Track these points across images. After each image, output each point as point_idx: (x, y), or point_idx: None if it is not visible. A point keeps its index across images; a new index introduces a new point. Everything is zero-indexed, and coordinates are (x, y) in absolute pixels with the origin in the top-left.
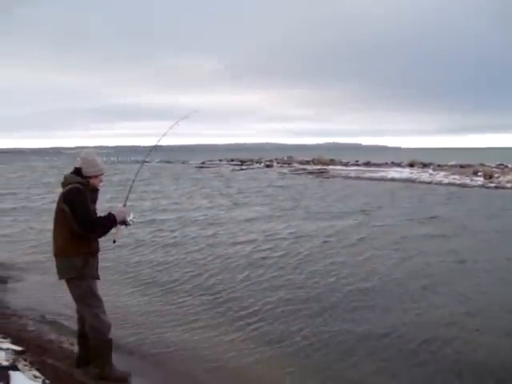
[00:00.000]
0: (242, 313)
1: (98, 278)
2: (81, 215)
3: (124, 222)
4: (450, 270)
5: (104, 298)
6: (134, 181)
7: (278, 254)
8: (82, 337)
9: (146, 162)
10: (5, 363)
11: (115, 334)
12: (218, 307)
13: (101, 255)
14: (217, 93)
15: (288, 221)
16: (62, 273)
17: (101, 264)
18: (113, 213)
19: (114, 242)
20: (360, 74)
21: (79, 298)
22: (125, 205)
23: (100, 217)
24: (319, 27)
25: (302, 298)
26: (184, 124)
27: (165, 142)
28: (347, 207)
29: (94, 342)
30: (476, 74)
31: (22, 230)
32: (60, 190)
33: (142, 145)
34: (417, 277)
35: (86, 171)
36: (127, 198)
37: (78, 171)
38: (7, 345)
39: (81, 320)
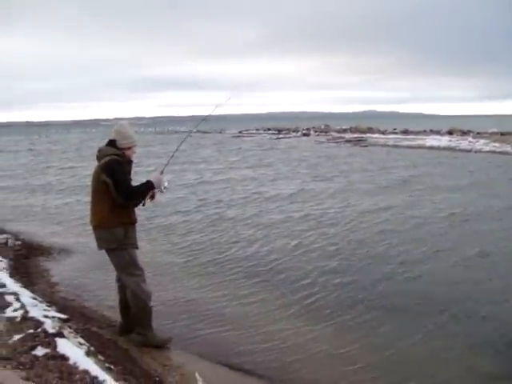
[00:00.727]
0: (296, 285)
1: (137, 248)
2: (123, 186)
3: (159, 188)
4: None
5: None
6: (175, 150)
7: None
8: (124, 305)
9: (190, 134)
10: (51, 330)
11: (167, 306)
12: (271, 280)
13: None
14: (255, 61)
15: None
16: (103, 243)
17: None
18: (150, 179)
19: (144, 204)
20: (398, 40)
21: (121, 267)
22: (162, 172)
23: (139, 185)
24: None
25: (354, 269)
26: (219, 94)
27: (201, 111)
28: (393, 178)
29: (135, 309)
30: None
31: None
32: (95, 163)
33: (179, 115)
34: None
35: (121, 143)
36: (166, 165)
37: (112, 143)
38: (53, 313)
39: (121, 288)
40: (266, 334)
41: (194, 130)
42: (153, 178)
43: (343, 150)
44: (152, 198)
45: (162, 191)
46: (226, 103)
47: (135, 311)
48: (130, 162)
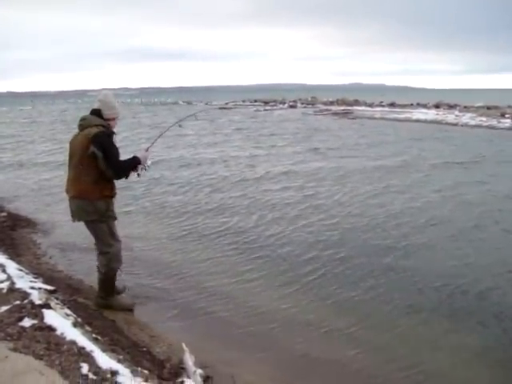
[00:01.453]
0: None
1: (116, 218)
2: (114, 161)
3: (144, 165)
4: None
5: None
6: (158, 136)
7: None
8: None
9: (169, 129)
10: (38, 302)
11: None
12: (272, 257)
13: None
14: (241, 32)
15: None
16: (83, 215)
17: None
18: (137, 156)
19: (138, 175)
20: (386, 13)
21: (99, 238)
22: (147, 150)
23: (127, 160)
24: None
25: (354, 244)
26: (205, 65)
27: (187, 83)
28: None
29: (104, 276)
30: (505, 11)
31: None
32: (76, 130)
33: (166, 86)
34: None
35: (106, 113)
36: (151, 145)
37: (96, 113)
38: (39, 284)
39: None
40: (259, 307)
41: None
42: (139, 154)
43: (333, 122)
44: (138, 174)
45: (145, 169)
46: (204, 71)
47: (103, 278)
48: (112, 133)
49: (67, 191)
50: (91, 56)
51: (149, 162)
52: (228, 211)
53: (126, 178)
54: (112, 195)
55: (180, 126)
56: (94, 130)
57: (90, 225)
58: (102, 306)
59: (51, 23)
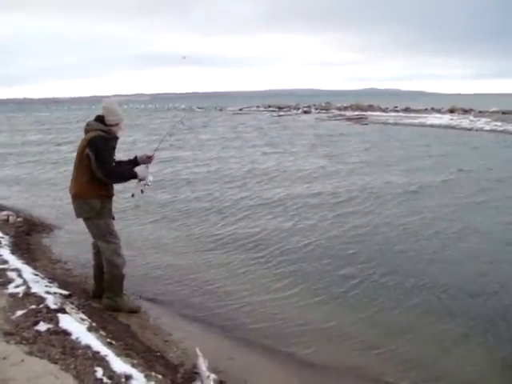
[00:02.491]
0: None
1: (114, 218)
2: (104, 164)
3: (143, 180)
4: None
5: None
6: (160, 142)
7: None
8: (98, 271)
9: (164, 139)
10: (53, 306)
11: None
12: (288, 264)
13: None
14: (256, 37)
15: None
16: (81, 213)
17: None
18: (135, 170)
19: (133, 195)
20: (401, 18)
21: (98, 235)
22: (150, 157)
23: (123, 170)
24: None
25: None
26: (219, 71)
27: (202, 89)
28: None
29: (109, 275)
30: None
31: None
32: (83, 135)
33: (180, 92)
34: None
35: (108, 119)
36: (153, 159)
37: (100, 119)
38: (54, 289)
39: (97, 255)
40: (267, 307)
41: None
42: (138, 169)
43: (351, 128)
44: (142, 191)
45: (147, 184)
46: (218, 77)
47: (108, 277)
48: (115, 138)
49: (69, 190)
50: (105, 62)
51: (150, 178)
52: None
53: (132, 195)
54: (108, 195)
55: (170, 135)
56: (92, 134)
57: (88, 222)
58: (109, 306)
59: (66, 30)
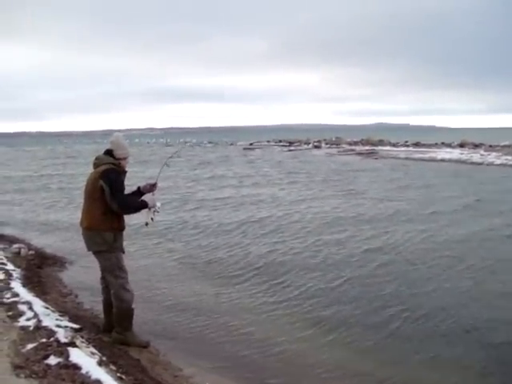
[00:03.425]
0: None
1: (124, 252)
2: (119, 195)
3: (153, 208)
4: None
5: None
6: (160, 172)
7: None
8: (108, 305)
9: (167, 163)
10: (64, 340)
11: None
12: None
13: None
14: (266, 73)
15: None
16: (93, 245)
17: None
18: (144, 200)
19: (147, 224)
20: (410, 53)
21: (108, 269)
22: (154, 185)
23: (135, 201)
24: (373, 4)
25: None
26: (229, 106)
27: (213, 123)
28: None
29: (117, 310)
30: None
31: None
32: (91, 169)
33: (190, 126)
34: None
35: (118, 153)
36: (156, 188)
37: (109, 153)
38: (65, 322)
39: (106, 289)
40: (273, 344)
41: (169, 160)
42: (147, 198)
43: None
44: (152, 219)
45: (157, 211)
46: (230, 112)
47: (117, 312)
48: (124, 172)
49: (81, 223)
50: (117, 96)
51: (158, 204)
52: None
53: (146, 223)
54: (120, 228)
55: (168, 165)
56: (105, 167)
57: (99, 255)
58: (118, 340)
59: (78, 64)
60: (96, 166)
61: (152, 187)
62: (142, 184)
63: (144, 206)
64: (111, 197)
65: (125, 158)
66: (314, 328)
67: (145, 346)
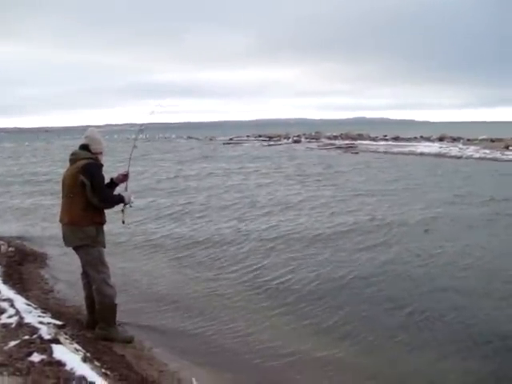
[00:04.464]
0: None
1: (105, 247)
2: (100, 190)
3: (128, 203)
4: None
5: None
6: (129, 159)
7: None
8: (90, 301)
9: (135, 145)
10: (47, 337)
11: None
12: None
13: None
14: (246, 68)
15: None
16: (75, 240)
17: None
18: (123, 195)
19: (123, 222)
20: (389, 47)
21: (90, 264)
22: (126, 175)
23: (115, 196)
24: (352, 0)
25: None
26: (210, 101)
27: (194, 119)
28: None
29: (100, 306)
30: (503, 45)
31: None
32: (67, 165)
33: (170, 122)
34: None
35: (94, 147)
36: (127, 181)
37: (85, 148)
38: (48, 319)
39: (88, 285)
40: (260, 339)
41: (135, 138)
42: (125, 193)
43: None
44: (122, 211)
45: (131, 205)
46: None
47: (100, 307)
48: (101, 165)
49: (61, 220)
50: (95, 92)
51: (133, 199)
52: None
53: (122, 221)
54: (102, 222)
55: (136, 146)
56: (84, 162)
57: (81, 250)
58: (102, 336)
59: (55, 62)
60: (73, 161)
61: (124, 177)
62: (114, 175)
63: (122, 200)
64: (92, 192)
65: (101, 153)
66: (301, 321)
67: (129, 341)
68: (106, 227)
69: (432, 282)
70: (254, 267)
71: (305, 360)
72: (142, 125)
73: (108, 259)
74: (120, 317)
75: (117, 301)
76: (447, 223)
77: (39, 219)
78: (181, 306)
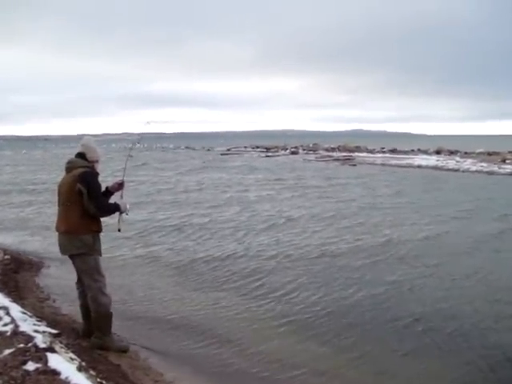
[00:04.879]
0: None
1: (101, 255)
2: (97, 198)
3: (124, 211)
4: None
5: None
6: (124, 169)
7: None
8: (86, 309)
9: (131, 154)
10: (42, 345)
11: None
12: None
13: None
14: (245, 79)
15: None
16: (72, 249)
17: None
18: (119, 204)
19: (119, 230)
20: (387, 60)
21: (86, 272)
22: (121, 183)
23: (111, 204)
24: (354, 13)
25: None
26: (207, 112)
27: (191, 129)
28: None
29: (96, 314)
30: (503, 58)
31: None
32: (63, 173)
33: (167, 132)
34: None
35: (90, 156)
36: (123, 189)
37: (81, 156)
38: (43, 328)
39: (82, 294)
40: (258, 351)
41: (131, 148)
42: (120, 202)
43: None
44: (119, 221)
45: (127, 214)
46: (209, 117)
47: (95, 316)
48: (97, 174)
49: (57, 229)
50: (93, 101)
51: (128, 207)
52: None
53: (118, 229)
54: (98, 230)
55: (131, 156)
56: (81, 170)
57: (78, 259)
58: (97, 345)
59: (54, 69)
60: (69, 169)
61: (120, 186)
62: (109, 184)
63: (117, 209)
64: (89, 200)
65: (97, 161)
66: (306, 333)
67: (124, 350)
68: (104, 238)
69: (443, 300)
70: (259, 282)
71: (312, 374)
72: (139, 134)
73: (106, 271)
74: (116, 328)
75: (114, 312)
76: (453, 237)
77: (37, 228)
78: (178, 317)
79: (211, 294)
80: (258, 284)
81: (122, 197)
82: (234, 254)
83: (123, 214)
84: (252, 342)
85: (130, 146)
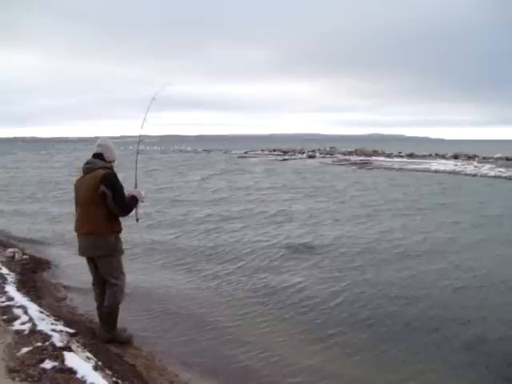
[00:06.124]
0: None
1: (123, 253)
2: (123, 199)
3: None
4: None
5: None
6: (136, 169)
7: None
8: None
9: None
10: (59, 344)
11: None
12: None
13: None
14: (264, 82)
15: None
16: (96, 250)
17: None
18: (134, 194)
19: (137, 220)
20: (406, 65)
21: (109, 272)
22: (136, 186)
23: (131, 200)
24: (371, 16)
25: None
26: (225, 114)
27: (208, 132)
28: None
29: (108, 309)
30: None
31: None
32: (81, 173)
33: (185, 134)
34: None
35: (108, 156)
36: (136, 179)
37: (99, 157)
38: (60, 327)
39: (99, 295)
40: (270, 350)
41: (137, 148)
42: (135, 193)
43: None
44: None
45: (143, 201)
46: (226, 120)
47: (108, 311)
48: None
49: (78, 229)
50: (112, 104)
51: (143, 194)
52: None
53: (136, 219)
54: (120, 230)
55: (138, 152)
56: (102, 171)
57: (101, 259)
58: (107, 339)
59: (76, 72)
60: (89, 170)
61: (136, 189)
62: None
63: (136, 200)
64: (114, 202)
65: (114, 161)
66: (319, 337)
67: (129, 340)
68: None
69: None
70: (273, 282)
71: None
72: (139, 136)
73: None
74: (130, 325)
75: (127, 310)
76: (476, 242)
77: (61, 225)
78: (193, 318)
79: (225, 292)
80: (274, 283)
81: (136, 186)
82: (255, 250)
83: (139, 203)
84: (269, 345)
85: (136, 147)
